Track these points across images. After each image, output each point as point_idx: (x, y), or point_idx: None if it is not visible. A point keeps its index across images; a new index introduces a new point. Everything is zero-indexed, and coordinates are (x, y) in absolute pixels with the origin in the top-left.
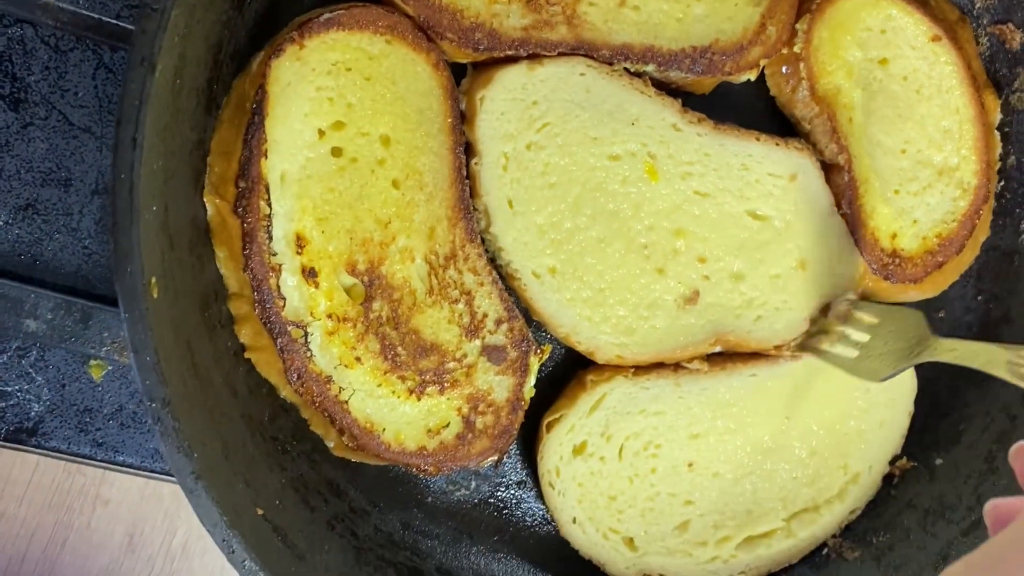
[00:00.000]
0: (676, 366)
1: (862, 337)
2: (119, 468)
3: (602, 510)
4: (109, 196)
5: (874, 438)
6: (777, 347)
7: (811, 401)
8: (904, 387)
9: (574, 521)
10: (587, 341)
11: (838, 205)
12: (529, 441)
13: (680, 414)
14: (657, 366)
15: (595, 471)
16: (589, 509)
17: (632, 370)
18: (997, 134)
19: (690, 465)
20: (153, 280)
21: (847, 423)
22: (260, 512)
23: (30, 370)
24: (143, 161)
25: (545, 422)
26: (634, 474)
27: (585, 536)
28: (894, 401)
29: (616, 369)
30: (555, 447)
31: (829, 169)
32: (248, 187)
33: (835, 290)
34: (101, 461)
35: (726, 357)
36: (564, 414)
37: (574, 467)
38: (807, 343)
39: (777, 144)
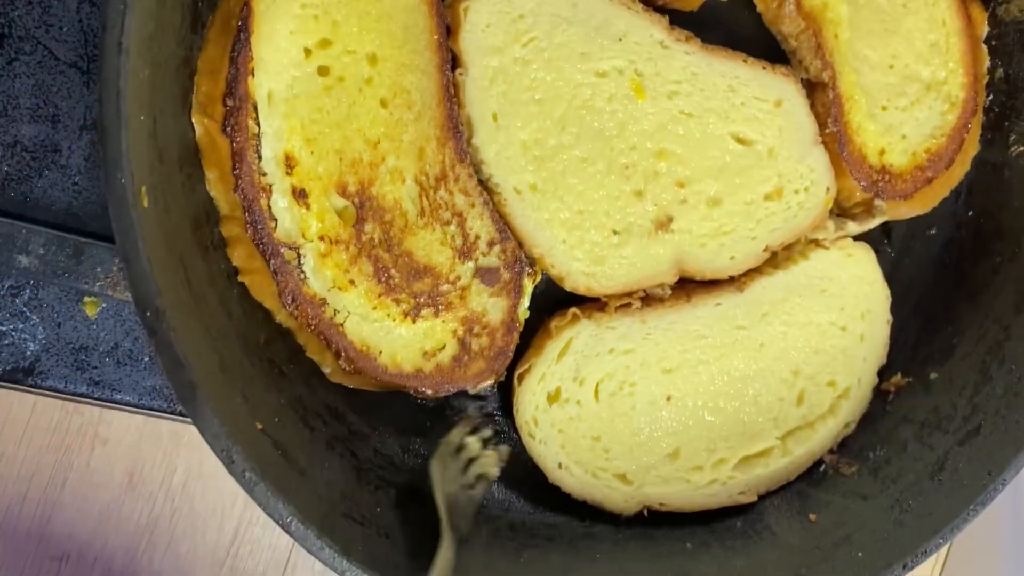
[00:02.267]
0: (641, 302)
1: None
2: (117, 406)
3: (587, 452)
4: (96, 103)
5: (858, 352)
6: (733, 278)
7: (783, 326)
8: (878, 298)
9: (560, 467)
10: (560, 265)
11: (824, 124)
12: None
13: (649, 350)
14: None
15: (573, 416)
16: (574, 453)
17: (594, 313)
18: (984, 47)
19: (668, 398)
20: (143, 189)
21: (826, 342)
22: (259, 426)
23: (24, 309)
24: (129, 69)
25: (516, 374)
26: (613, 413)
27: (574, 479)
28: (872, 313)
29: (581, 311)
30: (529, 398)
31: (814, 88)
32: (236, 105)
33: (804, 226)
34: (98, 399)
35: (690, 288)
36: (533, 363)
37: (551, 414)
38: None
39: (764, 68)
